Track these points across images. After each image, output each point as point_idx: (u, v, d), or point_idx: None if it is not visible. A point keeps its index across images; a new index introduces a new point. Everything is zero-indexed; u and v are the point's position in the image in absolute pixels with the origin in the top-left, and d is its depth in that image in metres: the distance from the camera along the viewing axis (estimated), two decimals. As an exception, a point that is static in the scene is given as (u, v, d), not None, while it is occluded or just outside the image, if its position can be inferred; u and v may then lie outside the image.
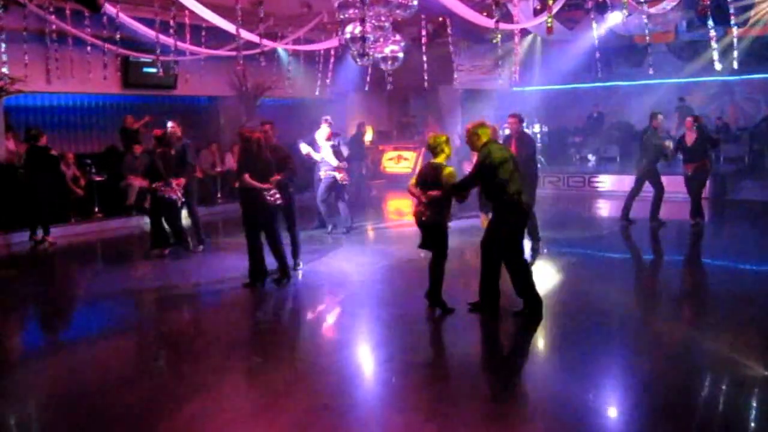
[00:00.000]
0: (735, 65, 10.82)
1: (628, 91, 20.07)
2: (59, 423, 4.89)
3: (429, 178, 6.94)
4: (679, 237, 11.52)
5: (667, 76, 17.63)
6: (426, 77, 13.46)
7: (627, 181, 16.72)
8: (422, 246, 7.19)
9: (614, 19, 13.23)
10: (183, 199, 10.21)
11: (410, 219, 8.19)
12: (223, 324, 7.32)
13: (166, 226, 10.27)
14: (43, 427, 4.94)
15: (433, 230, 7.01)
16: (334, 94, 20.24)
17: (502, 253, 6.77)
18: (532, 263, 9.37)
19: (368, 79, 14.40)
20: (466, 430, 4.60)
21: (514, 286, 6.83)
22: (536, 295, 6.79)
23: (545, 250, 10.14)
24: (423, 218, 6.97)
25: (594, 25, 12.12)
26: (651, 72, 13.28)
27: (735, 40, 11.03)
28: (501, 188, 6.64)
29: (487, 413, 4.88)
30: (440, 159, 7.02)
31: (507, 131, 10.64)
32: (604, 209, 15.41)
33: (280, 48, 14.62)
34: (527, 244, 10.26)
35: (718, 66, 10.55)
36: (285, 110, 19.48)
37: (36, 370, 5.94)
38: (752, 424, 4.58)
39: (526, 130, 10.91)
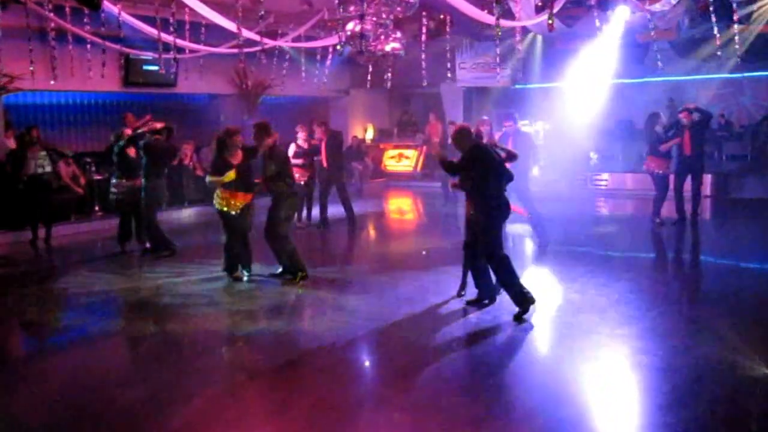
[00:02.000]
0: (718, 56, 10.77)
1: (629, 88, 19.97)
2: (54, 423, 4.87)
3: None
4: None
5: (668, 73, 17.55)
6: (427, 75, 13.43)
7: (629, 180, 16.78)
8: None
9: (618, 17, 13.16)
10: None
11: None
12: (222, 323, 7.29)
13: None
14: (38, 426, 4.89)
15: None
16: (336, 92, 20.26)
17: (485, 251, 6.91)
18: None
19: (369, 76, 14.36)
20: (469, 428, 4.59)
21: (502, 287, 6.94)
22: (524, 292, 6.83)
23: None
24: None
25: (597, 22, 12.07)
26: (660, 66, 13.21)
27: (737, 37, 11.00)
28: (484, 187, 6.84)
29: (490, 411, 4.85)
30: None
31: (504, 130, 10.70)
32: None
33: (286, 46, 14.58)
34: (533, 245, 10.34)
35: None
36: (286, 108, 19.47)
37: (26, 372, 5.91)
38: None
39: (526, 129, 10.99)
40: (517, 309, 6.80)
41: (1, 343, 6.96)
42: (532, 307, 6.83)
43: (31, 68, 11.62)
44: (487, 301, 7.18)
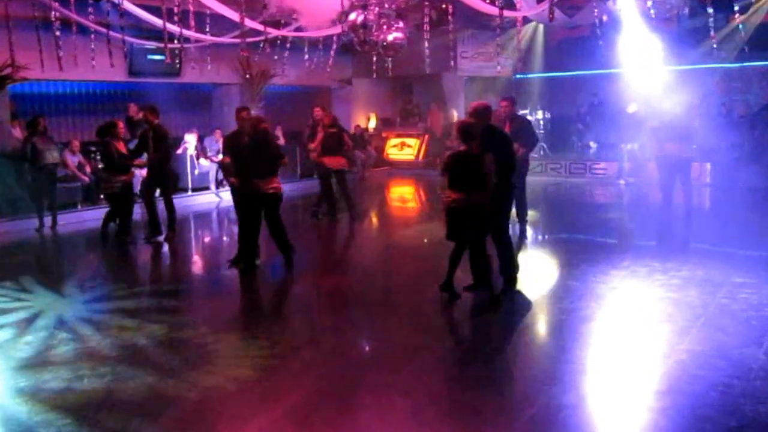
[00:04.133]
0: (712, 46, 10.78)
1: (630, 78, 20.01)
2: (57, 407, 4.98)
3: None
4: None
5: (669, 62, 17.57)
6: (429, 64, 13.49)
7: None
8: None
9: (622, 6, 13.24)
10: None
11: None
12: (224, 308, 7.43)
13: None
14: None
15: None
16: (338, 81, 20.32)
17: (500, 232, 7.20)
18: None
19: (374, 66, 14.42)
20: (467, 412, 4.70)
21: (504, 263, 7.27)
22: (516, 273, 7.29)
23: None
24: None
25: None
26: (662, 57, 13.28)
27: (740, 26, 11.05)
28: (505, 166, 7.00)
29: (489, 396, 4.96)
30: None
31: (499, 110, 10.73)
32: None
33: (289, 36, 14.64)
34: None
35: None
36: (289, 97, 19.57)
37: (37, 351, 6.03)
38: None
39: (521, 114, 11.07)
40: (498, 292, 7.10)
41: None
42: (528, 291, 7.13)
43: (40, 57, 11.70)
44: (481, 288, 7.27)
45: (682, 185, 11.09)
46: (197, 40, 13.51)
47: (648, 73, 16.21)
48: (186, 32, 12.34)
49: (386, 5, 10.18)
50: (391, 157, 21.03)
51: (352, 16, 10.28)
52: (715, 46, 10.63)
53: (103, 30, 11.94)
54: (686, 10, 13.70)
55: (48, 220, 11.79)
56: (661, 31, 15.87)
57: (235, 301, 7.83)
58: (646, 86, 15.95)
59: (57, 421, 4.56)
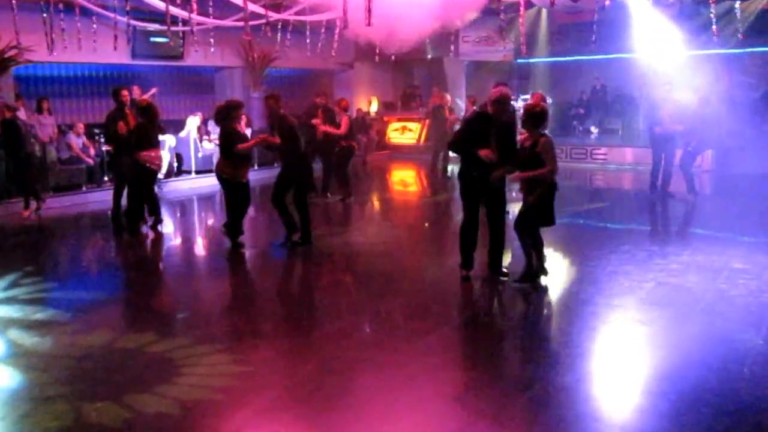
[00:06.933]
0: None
1: (631, 63, 20.03)
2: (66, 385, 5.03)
3: None
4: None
5: (674, 47, 17.53)
6: (430, 48, 13.48)
7: (629, 153, 16.91)
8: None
9: None
10: None
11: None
12: (229, 288, 7.52)
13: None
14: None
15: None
16: (340, 65, 20.31)
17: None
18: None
19: (377, 50, 14.42)
20: (467, 394, 4.78)
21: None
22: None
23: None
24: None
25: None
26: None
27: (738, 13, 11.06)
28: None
29: (487, 378, 5.04)
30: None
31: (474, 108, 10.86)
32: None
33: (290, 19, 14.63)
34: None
35: None
36: (291, 80, 19.59)
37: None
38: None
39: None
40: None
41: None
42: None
43: (47, 40, 11.73)
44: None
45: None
46: (200, 23, 13.50)
47: (652, 58, 16.19)
48: (189, 15, 12.35)
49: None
50: (392, 140, 21.09)
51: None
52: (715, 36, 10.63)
53: (107, 13, 11.94)
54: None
55: (34, 204, 11.64)
56: (664, 16, 15.86)
57: (242, 280, 7.94)
58: (650, 71, 15.98)
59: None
